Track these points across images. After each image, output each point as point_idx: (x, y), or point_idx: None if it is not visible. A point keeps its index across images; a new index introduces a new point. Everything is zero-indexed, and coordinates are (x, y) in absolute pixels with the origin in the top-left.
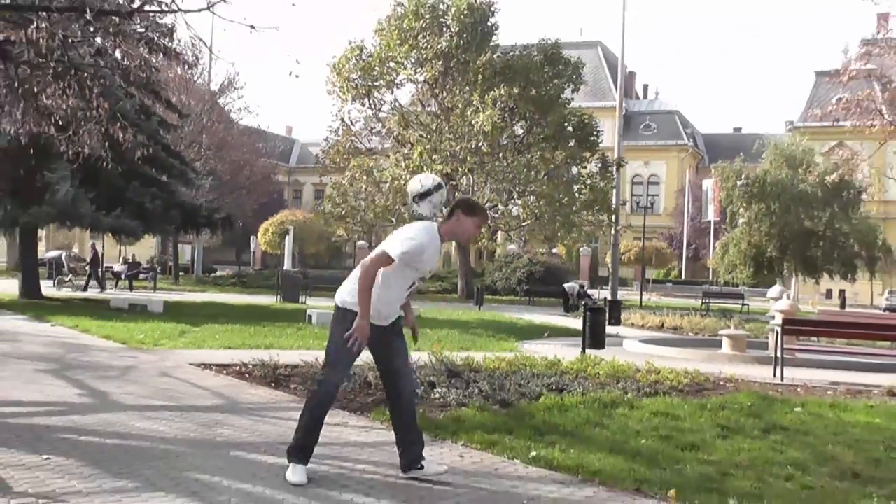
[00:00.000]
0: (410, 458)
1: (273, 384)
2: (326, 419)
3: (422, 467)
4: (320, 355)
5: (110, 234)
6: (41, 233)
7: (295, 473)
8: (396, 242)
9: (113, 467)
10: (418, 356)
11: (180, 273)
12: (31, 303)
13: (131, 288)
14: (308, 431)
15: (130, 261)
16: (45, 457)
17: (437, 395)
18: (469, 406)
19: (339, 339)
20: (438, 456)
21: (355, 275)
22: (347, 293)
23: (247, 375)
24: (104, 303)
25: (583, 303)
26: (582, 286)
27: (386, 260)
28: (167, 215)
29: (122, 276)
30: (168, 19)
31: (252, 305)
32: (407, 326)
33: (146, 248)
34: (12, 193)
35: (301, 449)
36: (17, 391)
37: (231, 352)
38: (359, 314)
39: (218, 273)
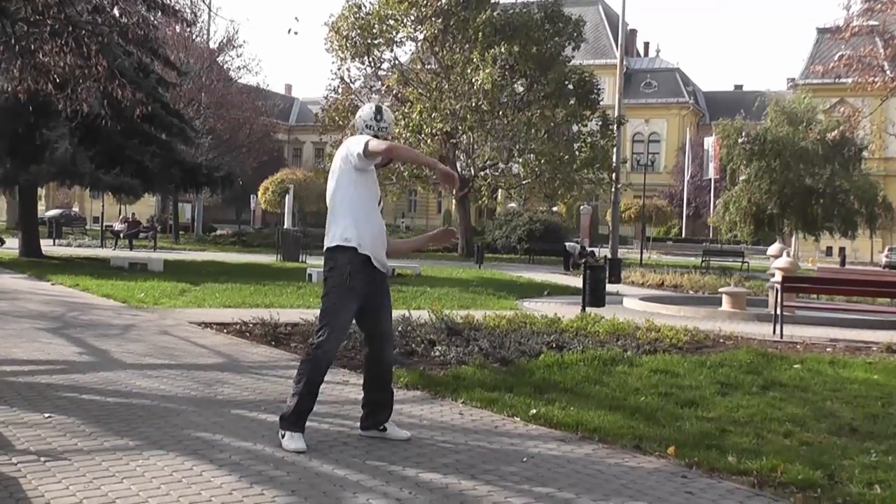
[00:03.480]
0: (377, 420)
1: (273, 343)
2: (327, 377)
3: (385, 429)
4: None
5: (110, 193)
6: (40, 191)
7: (293, 440)
8: (353, 144)
9: (114, 425)
10: (419, 314)
11: (180, 232)
12: (32, 261)
13: (131, 247)
14: (305, 397)
15: (130, 219)
16: (46, 415)
17: (438, 353)
18: (469, 364)
19: (334, 293)
20: (438, 413)
21: (342, 210)
22: (341, 231)
23: (247, 334)
24: (104, 261)
25: (582, 261)
26: (583, 246)
27: (376, 143)
28: (167, 173)
29: (122, 235)
30: None
31: (252, 264)
32: (423, 242)
33: (146, 206)
34: (11, 152)
35: (298, 415)
36: (18, 349)
37: (231, 310)
38: (429, 164)
39: (218, 232)
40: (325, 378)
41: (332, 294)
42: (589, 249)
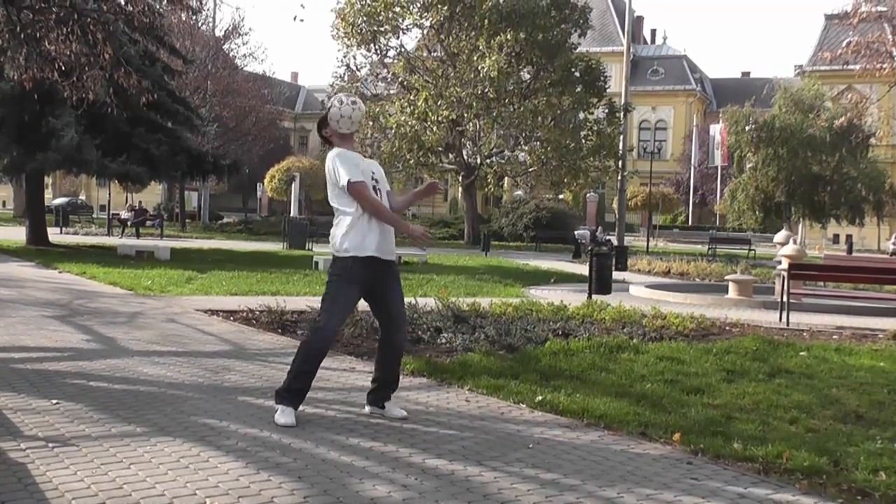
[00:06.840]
0: (379, 396)
1: (280, 330)
2: (334, 364)
3: (384, 407)
4: None
5: (117, 181)
6: (47, 180)
7: (283, 415)
8: (342, 172)
9: (121, 412)
10: (425, 302)
11: (187, 220)
12: (39, 249)
13: (138, 235)
14: (299, 377)
15: (137, 208)
16: (54, 401)
17: (444, 341)
18: (475, 351)
19: (333, 286)
20: (445, 400)
21: (343, 221)
22: (336, 240)
23: (254, 321)
24: (111, 250)
25: (589, 248)
26: (596, 233)
27: (357, 186)
28: (173, 161)
29: (129, 223)
30: None
31: (259, 252)
32: (418, 197)
33: (153, 194)
34: (17, 140)
35: (291, 392)
36: (26, 336)
37: (238, 298)
38: (401, 227)
39: (224, 220)
40: (333, 365)
41: (334, 282)
42: (606, 237)
